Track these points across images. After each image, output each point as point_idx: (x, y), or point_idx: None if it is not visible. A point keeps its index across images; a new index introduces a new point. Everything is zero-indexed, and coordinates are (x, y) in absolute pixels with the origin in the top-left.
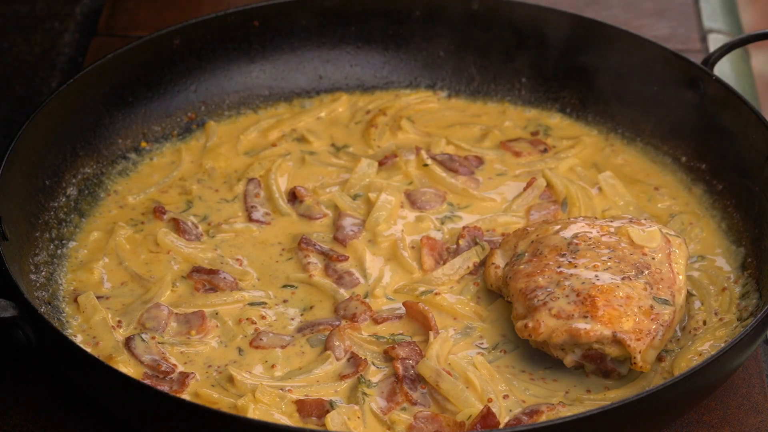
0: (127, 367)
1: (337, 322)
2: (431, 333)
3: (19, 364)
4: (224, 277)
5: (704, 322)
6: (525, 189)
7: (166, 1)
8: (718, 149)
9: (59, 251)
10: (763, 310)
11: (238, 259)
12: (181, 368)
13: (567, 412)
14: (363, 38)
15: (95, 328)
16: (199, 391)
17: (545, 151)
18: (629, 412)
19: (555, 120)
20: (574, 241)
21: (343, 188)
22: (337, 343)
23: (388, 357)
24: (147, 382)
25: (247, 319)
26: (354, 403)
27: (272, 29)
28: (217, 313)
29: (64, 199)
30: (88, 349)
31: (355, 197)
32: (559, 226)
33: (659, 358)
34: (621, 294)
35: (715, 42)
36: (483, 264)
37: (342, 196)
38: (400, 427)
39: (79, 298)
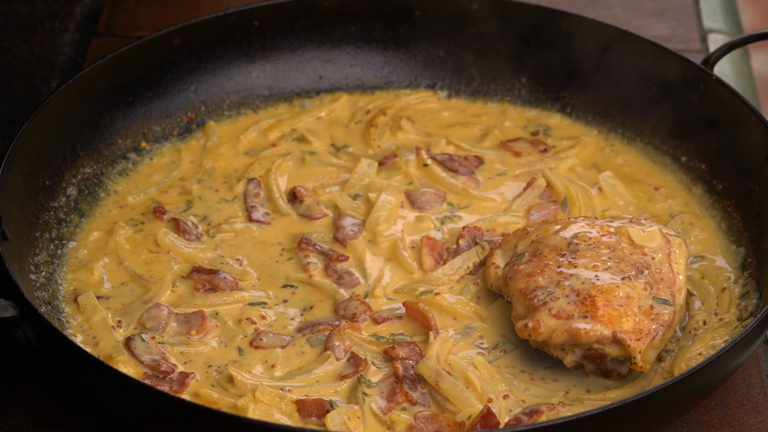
0: (127, 367)
1: (337, 322)
2: (431, 333)
3: (19, 364)
4: (224, 277)
5: (704, 322)
6: (525, 189)
7: (166, 1)
8: (718, 149)
9: (59, 251)
10: (763, 310)
11: (238, 259)
12: (181, 368)
13: (567, 412)
14: (363, 38)
15: (95, 328)
16: (199, 391)
17: (545, 151)
18: (629, 412)
19: (555, 120)
20: (574, 241)
21: (343, 188)
22: (337, 343)
23: (388, 357)
24: (147, 382)
25: (247, 319)
26: (354, 403)
27: (272, 29)
28: (217, 313)
29: (64, 199)
30: (88, 349)
31: (355, 197)
32: (559, 226)
33: (659, 358)
34: (621, 294)
35: (715, 42)
36: (483, 264)
37: (342, 196)
38: (400, 427)
39: (79, 298)
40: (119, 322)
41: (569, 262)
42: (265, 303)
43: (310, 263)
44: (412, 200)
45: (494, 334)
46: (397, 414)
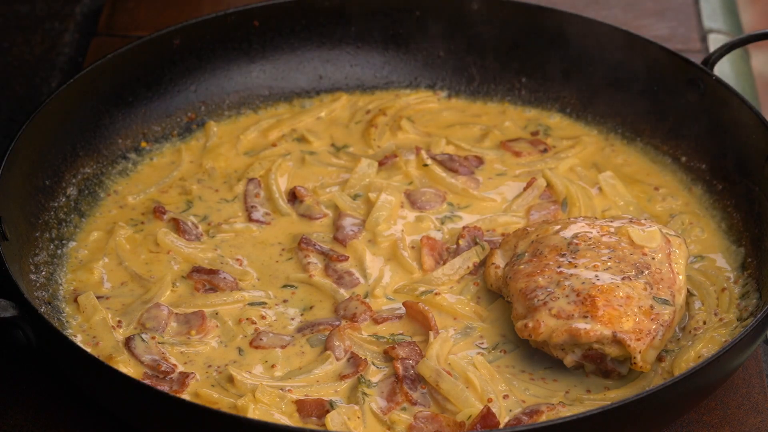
0: (127, 367)
1: (337, 322)
2: (431, 333)
3: (19, 364)
4: (224, 277)
5: (704, 322)
6: (525, 189)
7: (166, 1)
8: (718, 149)
9: (59, 251)
10: (763, 310)
11: (238, 259)
12: (181, 368)
13: (567, 412)
14: (363, 38)
15: (95, 328)
16: (199, 391)
17: (545, 151)
18: (629, 412)
19: (555, 120)
20: (574, 241)
21: (343, 188)
22: (337, 343)
23: (388, 357)
24: (147, 382)
25: (247, 319)
26: (354, 403)
27: (272, 29)
28: (217, 313)
29: (64, 199)
30: (88, 349)
31: (355, 197)
32: (559, 226)
33: (659, 358)
34: (621, 294)
35: (715, 42)
36: (483, 264)
37: (342, 196)
38: (400, 427)
39: (79, 298)
40: (119, 322)
41: (569, 262)
42: (265, 303)
43: (310, 263)
44: (412, 200)
45: (494, 334)
46: (397, 414)
